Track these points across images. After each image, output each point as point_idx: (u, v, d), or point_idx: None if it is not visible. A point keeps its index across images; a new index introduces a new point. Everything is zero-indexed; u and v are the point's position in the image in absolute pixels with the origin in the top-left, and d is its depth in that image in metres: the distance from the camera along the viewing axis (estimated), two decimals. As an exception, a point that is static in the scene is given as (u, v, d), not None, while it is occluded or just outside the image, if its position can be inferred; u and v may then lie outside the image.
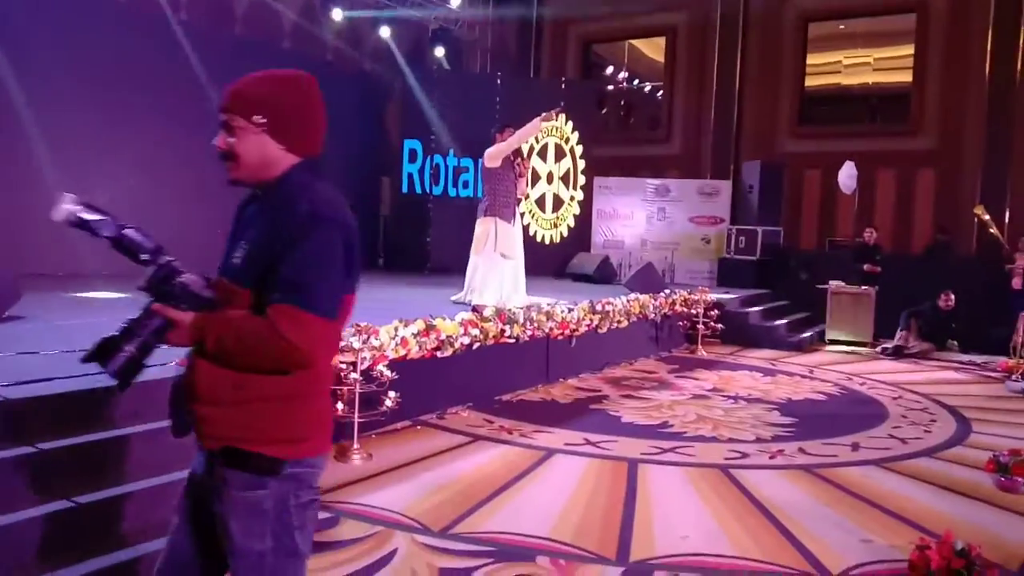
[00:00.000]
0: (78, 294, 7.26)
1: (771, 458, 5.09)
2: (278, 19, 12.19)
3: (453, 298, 7.19)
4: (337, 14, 11.89)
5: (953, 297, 9.77)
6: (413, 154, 12.43)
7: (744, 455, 5.12)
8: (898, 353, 9.55)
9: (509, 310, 6.55)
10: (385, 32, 12.60)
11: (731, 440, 5.47)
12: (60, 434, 3.13)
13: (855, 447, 5.40)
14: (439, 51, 13.80)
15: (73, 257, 9.13)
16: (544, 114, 6.77)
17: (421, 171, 12.36)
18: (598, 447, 5.17)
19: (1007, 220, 11.33)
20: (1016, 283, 9.67)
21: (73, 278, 8.69)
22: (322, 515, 3.67)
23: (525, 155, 11.47)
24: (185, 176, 10.35)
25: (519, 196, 7.58)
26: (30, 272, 7.60)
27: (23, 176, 8.84)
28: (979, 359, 9.28)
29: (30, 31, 8.64)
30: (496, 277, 6.96)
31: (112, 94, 9.54)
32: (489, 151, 6.85)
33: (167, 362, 3.98)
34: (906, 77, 12.48)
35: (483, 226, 6.90)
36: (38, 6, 8.90)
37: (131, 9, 9.83)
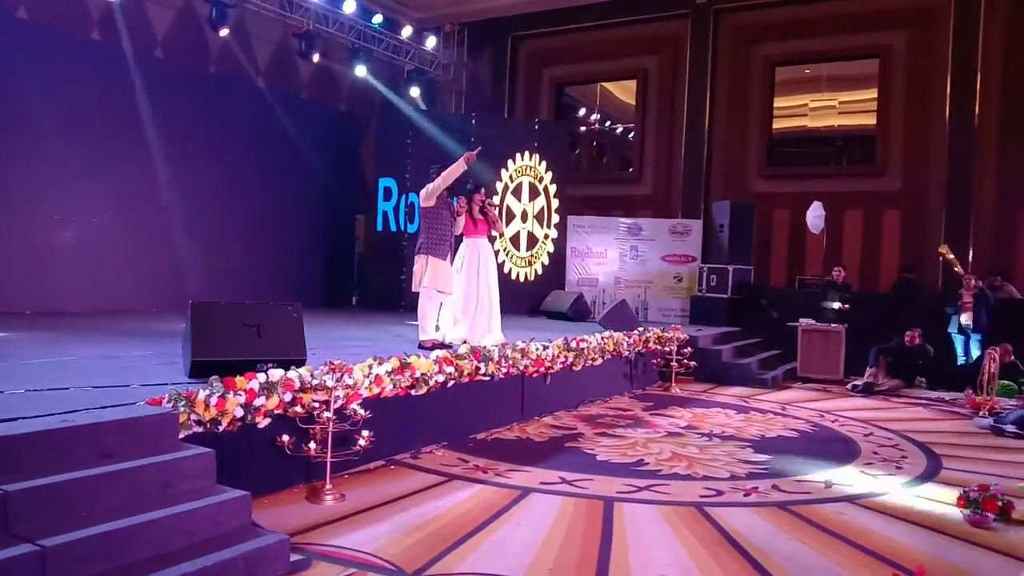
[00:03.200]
0: (47, 333, 7.13)
1: (746, 495, 5.09)
2: (254, 58, 12.27)
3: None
4: (309, 57, 11.98)
5: (919, 334, 9.93)
6: (388, 192, 12.48)
7: (719, 492, 5.12)
8: (868, 390, 9.65)
9: (484, 348, 6.56)
10: (361, 71, 12.72)
11: (706, 478, 5.47)
12: (27, 475, 3.06)
13: (828, 484, 5.42)
14: (414, 91, 13.94)
15: (42, 295, 9.07)
16: (467, 154, 6.99)
17: (396, 209, 12.40)
18: (574, 486, 5.14)
19: (971, 258, 11.60)
20: (964, 318, 9.89)
21: (40, 316, 8.57)
22: (294, 557, 3.61)
23: (496, 195, 11.63)
24: (166, 209, 10.36)
25: (495, 234, 7.63)
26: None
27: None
28: (947, 395, 9.40)
29: (10, 69, 8.62)
30: (433, 312, 7.00)
31: (89, 131, 9.55)
32: (423, 190, 6.95)
33: (135, 401, 3.96)
34: (871, 120, 12.83)
35: (417, 264, 7.00)
36: (20, 47, 8.91)
37: (109, 48, 9.86)
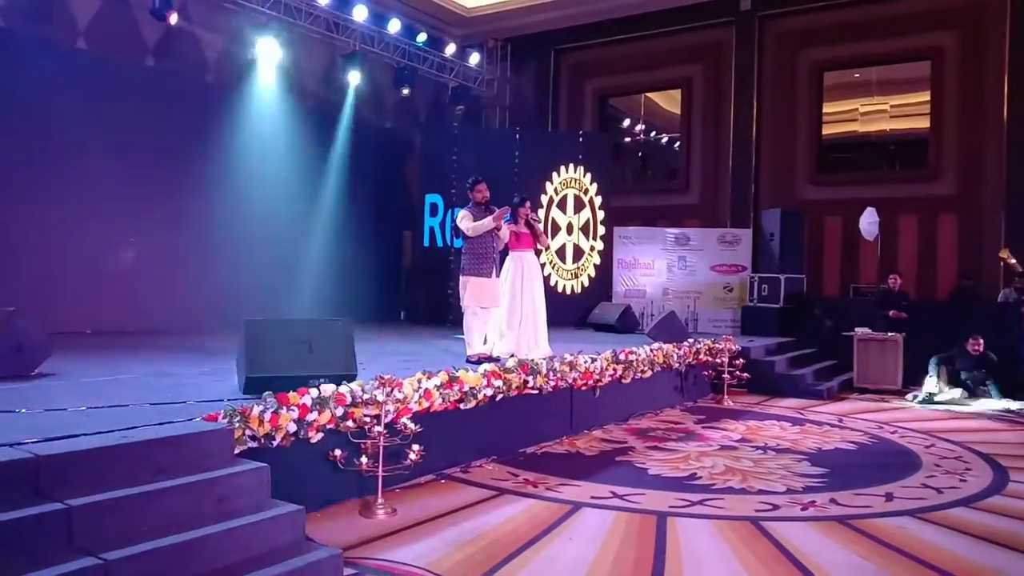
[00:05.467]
0: (105, 352, 7.33)
1: (803, 509, 4.98)
2: (301, 80, 12.52)
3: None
4: (355, 77, 12.17)
5: (982, 342, 9.61)
6: (434, 208, 12.57)
7: (775, 507, 5.01)
8: (928, 400, 9.37)
9: (532, 361, 6.54)
10: (406, 91, 12.90)
11: (761, 491, 5.36)
12: (88, 491, 3.14)
13: (889, 497, 5.27)
14: (459, 108, 14.06)
15: (100, 315, 9.33)
16: (498, 214, 6.97)
17: (442, 224, 12.48)
18: (625, 500, 5.09)
19: (1033, 262, 11.21)
20: None
21: (98, 335, 8.82)
22: (347, 571, 3.63)
23: (541, 208, 11.64)
24: (219, 230, 10.62)
25: (540, 248, 7.62)
26: (58, 331, 7.70)
27: (52, 237, 9.05)
28: (1013, 405, 9.07)
29: (55, 98, 8.93)
30: (478, 327, 7.02)
31: (146, 155, 9.84)
32: (461, 222, 6.98)
33: (191, 417, 4.04)
34: (923, 123, 12.52)
35: (461, 285, 7.04)
36: (80, 77, 9.23)
37: (157, 72, 10.14)
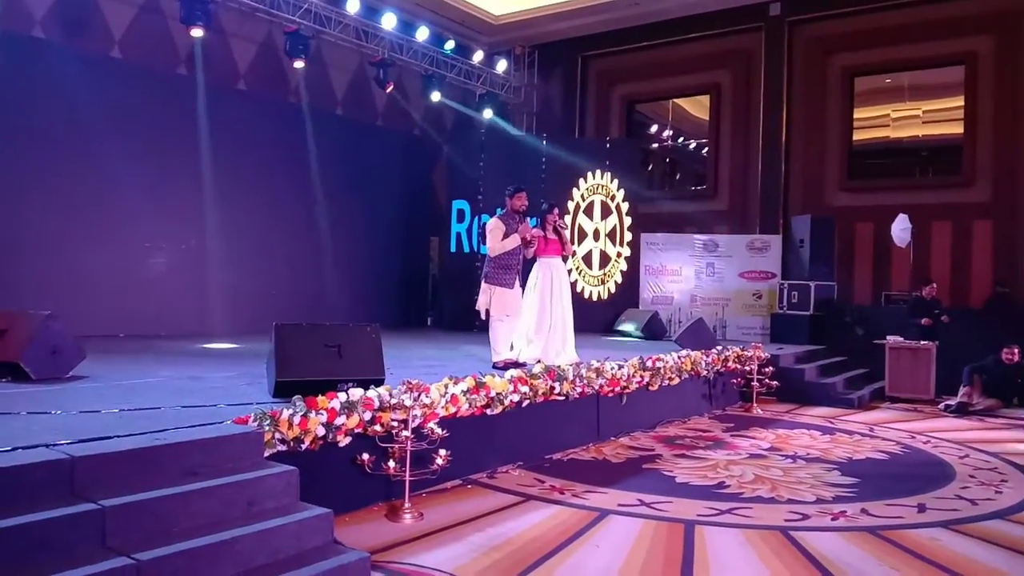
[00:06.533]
0: (138, 355, 7.44)
1: (833, 519, 4.91)
2: (331, 87, 12.66)
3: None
4: (390, 85, 12.31)
5: (1017, 351, 9.42)
6: (461, 214, 12.63)
7: (805, 516, 4.95)
8: (962, 410, 9.20)
9: (558, 367, 6.53)
10: (435, 97, 13.00)
11: (791, 501, 5.30)
12: (121, 491, 3.18)
13: (921, 508, 5.18)
14: (487, 114, 14.12)
15: (133, 319, 9.48)
16: (524, 231, 6.97)
17: (469, 231, 12.53)
18: (653, 508, 5.05)
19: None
20: None
21: (131, 339, 8.96)
22: (374, 575, 3.64)
23: (568, 215, 11.63)
24: (249, 236, 10.75)
25: (566, 254, 7.61)
26: (92, 334, 7.85)
27: (87, 243, 9.22)
28: (1049, 416, 8.89)
29: (91, 106, 9.11)
30: (504, 334, 7.03)
31: (176, 162, 10.00)
32: (490, 239, 6.98)
33: (222, 420, 4.08)
34: (957, 129, 12.33)
35: (483, 293, 7.04)
36: (116, 85, 9.41)
37: (190, 80, 10.29)
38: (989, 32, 11.98)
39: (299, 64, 11.05)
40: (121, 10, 9.97)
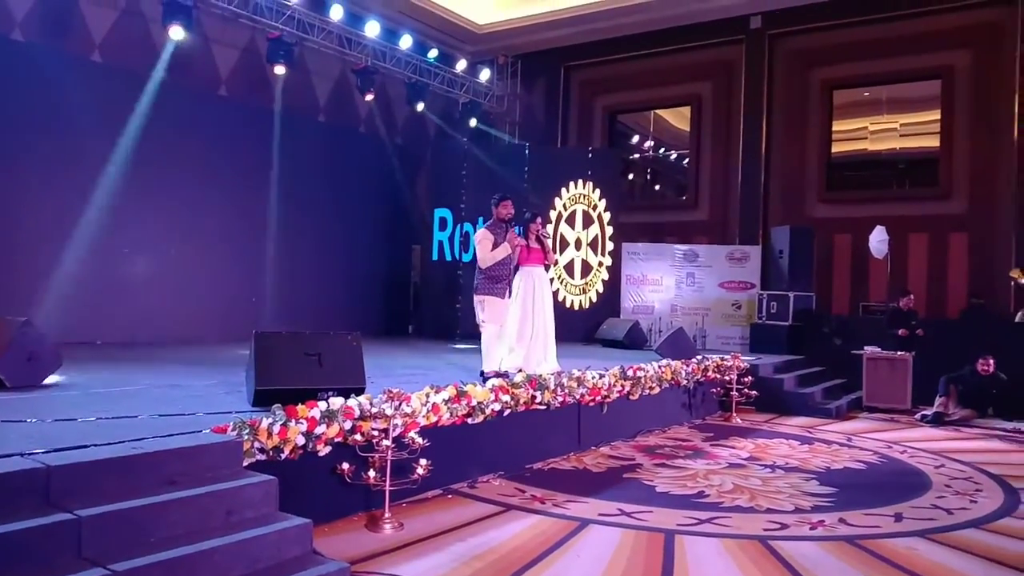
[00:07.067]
0: (115, 362, 7.36)
1: (812, 529, 4.94)
2: (314, 94, 12.63)
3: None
4: (372, 93, 12.29)
5: (992, 362, 9.55)
6: (444, 222, 12.62)
7: (784, 526, 4.98)
8: (938, 420, 9.31)
9: (540, 376, 6.54)
10: (419, 107, 13.02)
11: (769, 510, 5.33)
12: (98, 501, 3.14)
13: (898, 518, 5.23)
14: (469, 123, 14.14)
15: (111, 326, 9.38)
16: (515, 241, 7.01)
17: (451, 239, 12.52)
18: (633, 517, 5.06)
19: (1045, 283, 11.15)
20: None
21: (108, 346, 8.86)
22: (354, 586, 3.62)
23: (549, 224, 11.65)
24: (228, 243, 10.67)
25: (548, 263, 7.62)
26: (69, 341, 7.75)
27: (63, 248, 9.12)
28: (1023, 426, 9.00)
29: (70, 108, 9.03)
30: (496, 344, 7.02)
31: (157, 167, 9.92)
32: (479, 250, 6.96)
33: (200, 429, 4.05)
34: (934, 142, 12.52)
35: (478, 306, 7.04)
36: (94, 88, 9.33)
37: (177, 87, 10.23)
38: (966, 46, 12.18)
39: (281, 70, 11.02)
40: (102, 13, 9.90)
